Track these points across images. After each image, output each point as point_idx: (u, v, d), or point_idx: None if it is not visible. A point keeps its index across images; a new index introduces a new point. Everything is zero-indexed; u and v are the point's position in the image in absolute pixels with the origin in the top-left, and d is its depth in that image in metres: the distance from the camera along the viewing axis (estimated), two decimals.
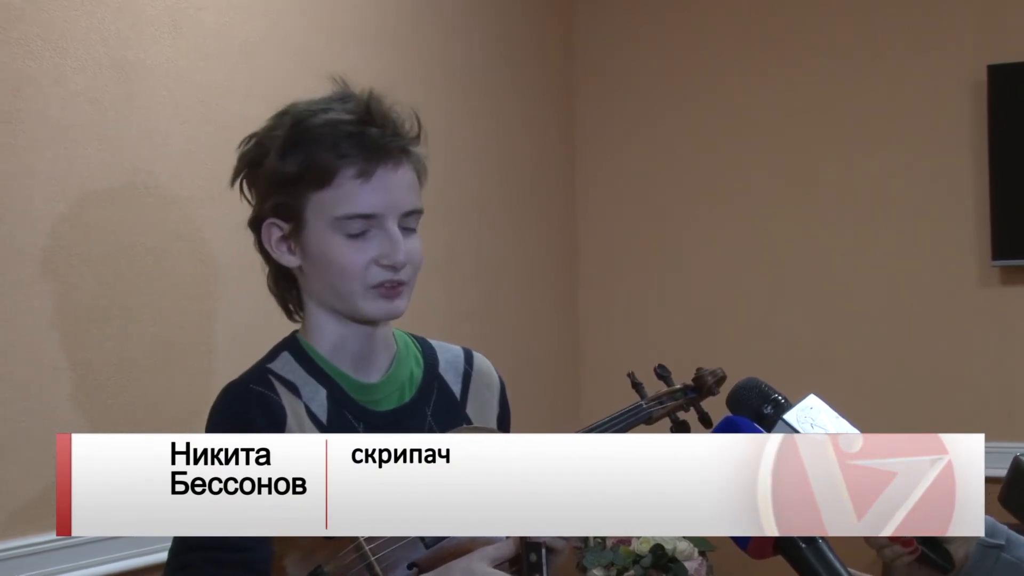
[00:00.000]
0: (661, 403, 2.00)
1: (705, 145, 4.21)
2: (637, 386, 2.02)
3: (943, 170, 3.91)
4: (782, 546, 1.14)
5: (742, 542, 1.15)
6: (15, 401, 2.32)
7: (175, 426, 2.60)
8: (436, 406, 1.94)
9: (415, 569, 1.76)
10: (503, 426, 2.04)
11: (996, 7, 3.86)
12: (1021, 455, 1.65)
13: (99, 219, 2.49)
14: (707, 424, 2.00)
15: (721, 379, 2.02)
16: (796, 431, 1.61)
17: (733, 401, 1.76)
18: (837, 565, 1.11)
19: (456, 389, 1.98)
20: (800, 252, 4.09)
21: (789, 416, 1.64)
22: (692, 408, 2.02)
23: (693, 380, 2.02)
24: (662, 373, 2.04)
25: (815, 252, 4.07)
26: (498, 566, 1.72)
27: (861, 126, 4.01)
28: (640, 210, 4.29)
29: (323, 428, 1.83)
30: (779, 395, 1.71)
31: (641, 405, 1.99)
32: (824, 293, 4.06)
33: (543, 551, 1.70)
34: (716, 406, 1.99)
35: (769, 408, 1.70)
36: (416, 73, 3.49)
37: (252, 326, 2.74)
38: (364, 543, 1.74)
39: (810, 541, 1.12)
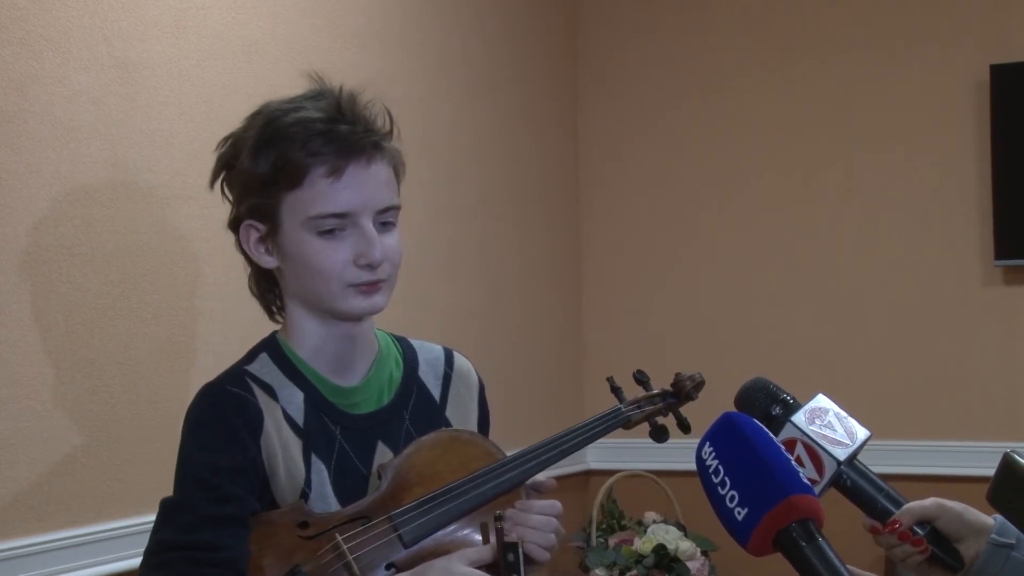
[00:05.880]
0: (639, 407, 1.98)
1: (708, 145, 4.21)
2: (616, 390, 2.01)
3: (946, 170, 3.91)
4: (782, 543, 1.13)
5: (742, 539, 1.15)
6: (18, 400, 2.31)
7: (179, 426, 2.59)
8: (414, 409, 1.92)
9: (393, 569, 1.74)
10: (482, 428, 2.02)
11: (999, 7, 3.86)
12: (1011, 452, 1.64)
13: (103, 218, 2.49)
14: (685, 429, 1.97)
15: (700, 384, 2.00)
16: (804, 433, 1.61)
17: (741, 401, 1.74)
18: (837, 564, 1.11)
19: (436, 392, 1.97)
20: (803, 252, 4.09)
21: (797, 418, 1.63)
22: (670, 413, 2.00)
23: (672, 385, 2.01)
24: (641, 378, 2.03)
25: (817, 252, 4.07)
26: (477, 569, 1.70)
27: (864, 126, 4.01)
28: (643, 210, 4.29)
29: (300, 431, 1.81)
30: (788, 395, 1.70)
31: (620, 409, 1.98)
32: (826, 293, 4.05)
33: (520, 551, 1.69)
34: (694, 411, 1.98)
35: (778, 409, 1.69)
36: (419, 73, 3.50)
37: (255, 325, 2.73)
38: (343, 543, 1.73)
39: (811, 539, 1.12)
